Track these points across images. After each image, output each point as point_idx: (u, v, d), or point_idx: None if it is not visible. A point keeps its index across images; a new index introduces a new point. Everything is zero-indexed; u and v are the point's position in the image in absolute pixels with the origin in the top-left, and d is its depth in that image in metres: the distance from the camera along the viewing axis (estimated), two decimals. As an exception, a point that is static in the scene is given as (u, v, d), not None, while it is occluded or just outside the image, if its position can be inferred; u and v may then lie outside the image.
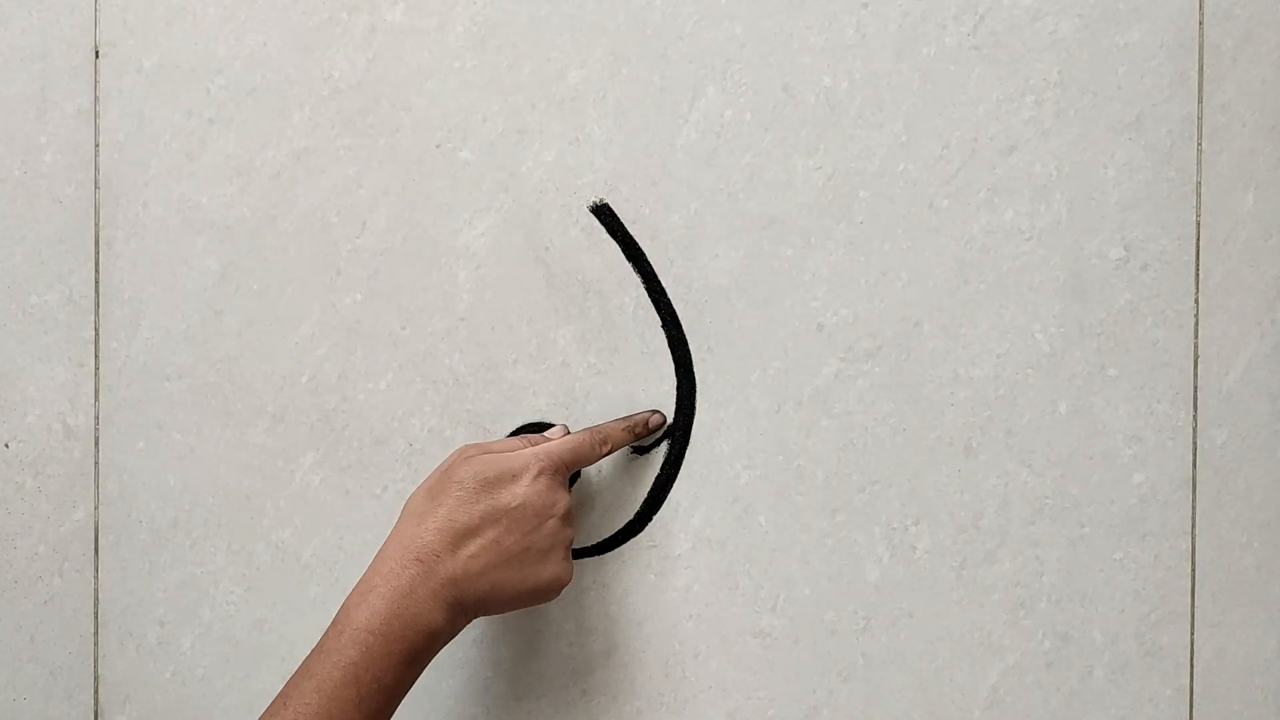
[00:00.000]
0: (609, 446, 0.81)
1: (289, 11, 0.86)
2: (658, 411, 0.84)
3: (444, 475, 0.76)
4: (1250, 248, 0.83)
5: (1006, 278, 0.83)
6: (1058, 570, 0.83)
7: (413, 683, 0.73)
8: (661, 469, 0.85)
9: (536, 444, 0.79)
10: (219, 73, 0.86)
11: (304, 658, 0.72)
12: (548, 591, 0.77)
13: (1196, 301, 0.83)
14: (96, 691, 0.88)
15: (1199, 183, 0.83)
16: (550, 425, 0.84)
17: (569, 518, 0.78)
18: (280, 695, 0.71)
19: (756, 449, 0.84)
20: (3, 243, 0.87)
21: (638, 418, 0.83)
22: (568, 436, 0.80)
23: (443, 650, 0.82)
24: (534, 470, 0.76)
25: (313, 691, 0.70)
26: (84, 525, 0.87)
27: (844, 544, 0.84)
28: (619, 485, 0.85)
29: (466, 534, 0.74)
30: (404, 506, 0.76)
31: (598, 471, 0.85)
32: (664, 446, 0.85)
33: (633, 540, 0.85)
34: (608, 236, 0.85)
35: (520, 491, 0.75)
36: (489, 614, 0.76)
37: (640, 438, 0.83)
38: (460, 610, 0.74)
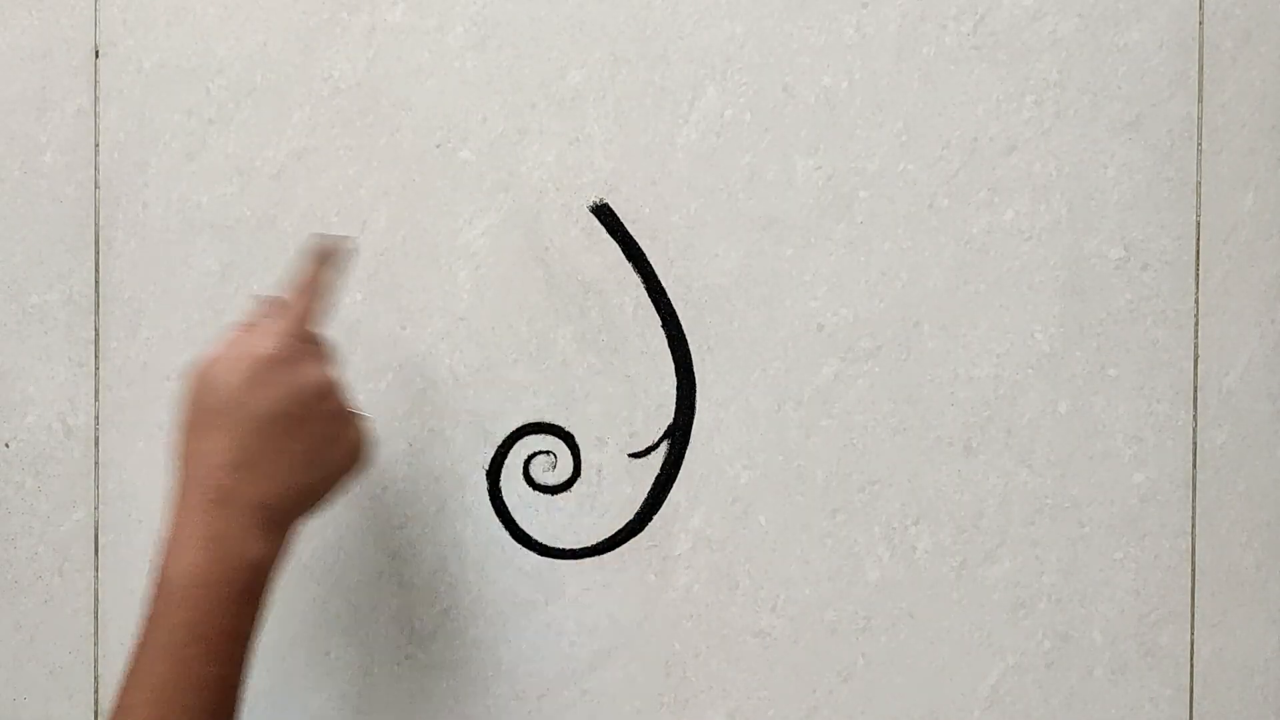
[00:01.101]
0: (317, 288, 0.75)
1: (289, 11, 0.86)
2: (330, 236, 0.78)
3: (193, 406, 0.71)
4: (1250, 248, 0.83)
5: (1006, 278, 0.83)
6: (1058, 570, 0.83)
7: (259, 615, 0.70)
8: (661, 469, 0.85)
9: (259, 323, 0.73)
10: (219, 73, 0.86)
11: (137, 635, 0.70)
12: (350, 465, 0.74)
13: (1196, 301, 0.83)
14: (96, 691, 0.87)
15: (1199, 183, 0.83)
16: (546, 423, 0.83)
17: (330, 386, 0.73)
18: (128, 672, 0.68)
19: (756, 449, 0.84)
20: (3, 243, 0.87)
21: (311, 247, 0.77)
22: (280, 312, 0.74)
23: (443, 650, 0.82)
24: (267, 364, 0.71)
25: (159, 659, 0.67)
26: (84, 525, 0.87)
27: (844, 544, 0.84)
28: (619, 485, 0.85)
29: (248, 460, 0.70)
30: (174, 450, 0.72)
31: (598, 471, 0.85)
32: (664, 446, 0.85)
33: (633, 540, 0.85)
34: (608, 236, 0.85)
35: (269, 394, 0.70)
36: (309, 513, 0.73)
37: (331, 260, 0.77)
38: (278, 528, 0.71)
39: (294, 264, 0.77)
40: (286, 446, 0.71)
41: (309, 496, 0.73)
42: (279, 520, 0.71)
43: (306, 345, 0.74)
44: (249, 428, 0.70)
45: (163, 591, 0.69)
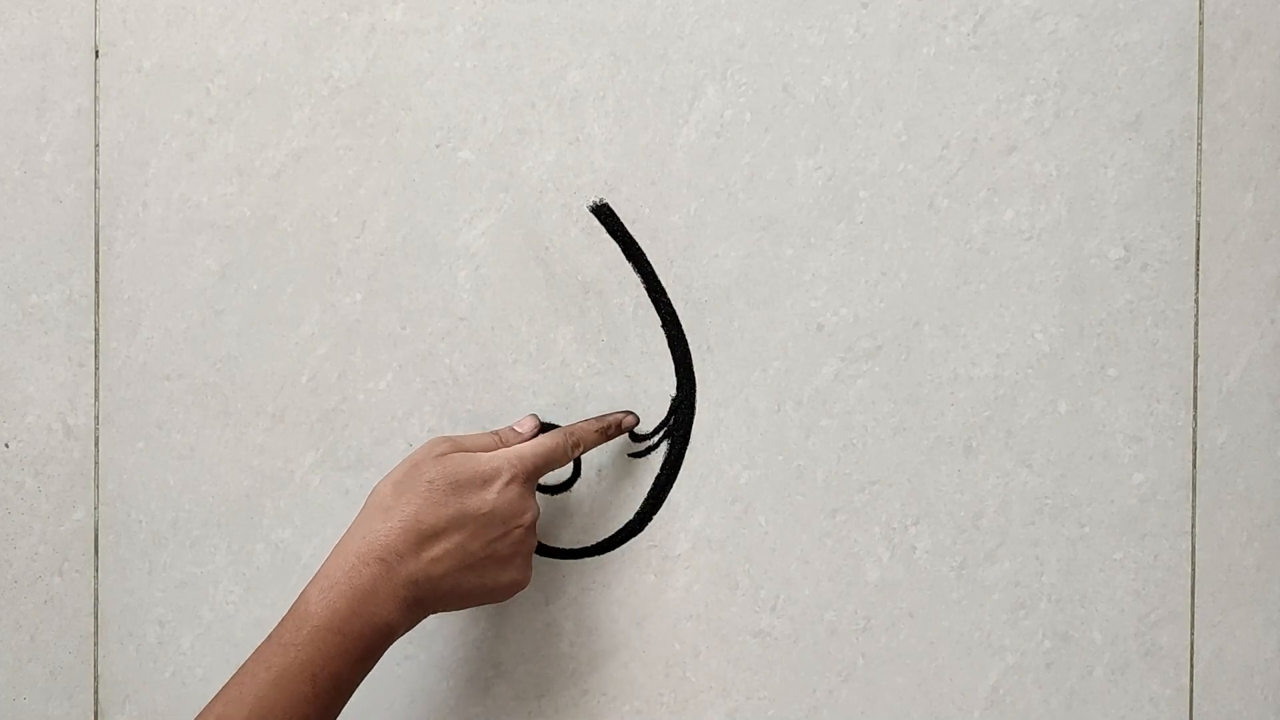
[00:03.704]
0: (581, 449, 0.81)
1: (289, 11, 0.86)
2: (630, 413, 0.83)
3: (414, 470, 0.75)
4: (1250, 248, 0.83)
5: (1006, 278, 0.83)
6: (1058, 570, 0.83)
7: (364, 675, 0.73)
8: (661, 469, 0.85)
9: (507, 440, 0.79)
10: (219, 73, 0.86)
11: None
12: (505, 593, 0.77)
13: (1196, 301, 0.83)
14: (96, 691, 0.88)
15: (1199, 183, 0.83)
16: (546, 423, 0.83)
17: (534, 526, 0.77)
18: (234, 683, 0.71)
19: (756, 449, 0.84)
20: (3, 243, 0.87)
21: (611, 418, 0.82)
22: (540, 439, 0.79)
23: (443, 650, 0.82)
24: (506, 476, 0.75)
25: (269, 685, 0.70)
26: (84, 525, 0.87)
27: (844, 544, 0.84)
28: (619, 485, 0.85)
29: (432, 536, 0.73)
30: (369, 496, 0.76)
31: (598, 471, 0.85)
32: (664, 446, 0.85)
33: (633, 540, 0.85)
34: (608, 236, 0.85)
35: (490, 498, 0.75)
36: (446, 610, 0.76)
37: (611, 438, 0.83)
38: (419, 607, 0.74)
39: (598, 417, 0.82)
40: (471, 545, 0.74)
41: (459, 597, 0.75)
42: (423, 601, 0.74)
43: (535, 482, 0.78)
44: (451, 513, 0.74)
45: (298, 622, 0.71)
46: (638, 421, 0.84)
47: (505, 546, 0.75)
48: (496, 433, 0.80)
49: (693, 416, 0.85)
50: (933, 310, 0.83)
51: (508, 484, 0.75)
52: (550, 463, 0.79)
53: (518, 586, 0.77)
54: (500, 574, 0.76)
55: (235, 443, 0.86)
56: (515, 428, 0.81)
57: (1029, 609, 0.84)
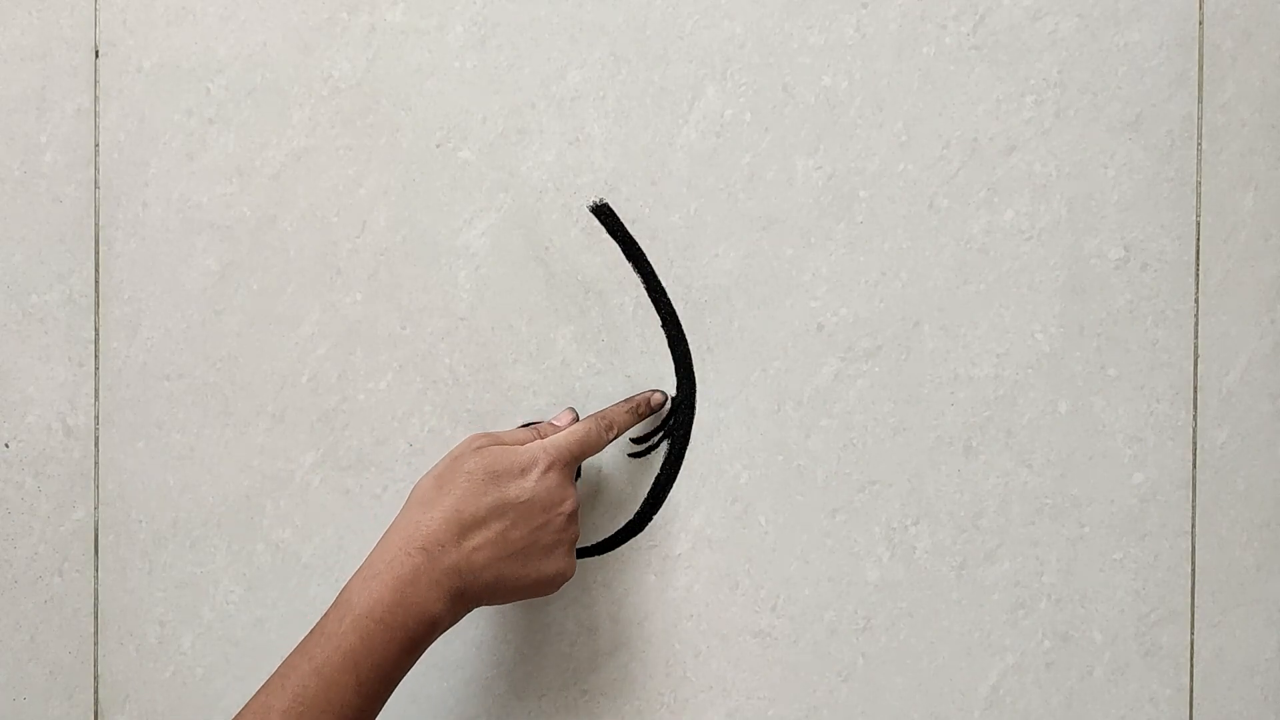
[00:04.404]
0: (615, 431, 0.81)
1: (289, 11, 0.86)
2: (659, 390, 0.84)
3: (453, 463, 0.76)
4: (1250, 248, 0.83)
5: (1006, 278, 0.83)
6: (1058, 570, 0.83)
7: (410, 667, 0.73)
8: (661, 469, 0.85)
9: (545, 434, 0.79)
10: (219, 73, 0.86)
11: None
12: (549, 585, 0.77)
13: (1196, 301, 0.83)
14: (96, 691, 0.88)
15: (1199, 183, 0.83)
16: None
17: (575, 514, 0.77)
18: (278, 674, 0.71)
19: (756, 449, 0.84)
20: (3, 243, 0.87)
21: (639, 397, 0.83)
22: (574, 427, 0.79)
23: (443, 650, 0.82)
24: (543, 465, 0.76)
25: (311, 674, 0.70)
26: (84, 525, 0.87)
27: (844, 544, 0.84)
28: (619, 485, 0.85)
29: (473, 525, 0.74)
30: (411, 492, 0.76)
31: (598, 471, 0.85)
32: (664, 446, 0.85)
33: (633, 540, 0.85)
34: (608, 236, 0.85)
35: (529, 486, 0.75)
36: (490, 604, 0.76)
37: (644, 417, 0.83)
38: (462, 600, 0.74)
39: (627, 400, 0.83)
40: (511, 535, 0.75)
41: (501, 587, 0.75)
42: (466, 593, 0.74)
43: (573, 470, 0.79)
44: (490, 502, 0.74)
45: (341, 612, 0.71)
46: (666, 399, 0.84)
47: (547, 535, 0.76)
48: (535, 426, 0.81)
49: (693, 416, 0.85)
50: (933, 310, 0.83)
51: (545, 472, 0.76)
52: (586, 448, 0.79)
53: (563, 577, 0.77)
54: (544, 564, 0.76)
55: (235, 443, 0.86)
56: (554, 421, 0.81)
57: (1029, 609, 0.84)
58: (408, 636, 0.71)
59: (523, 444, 0.77)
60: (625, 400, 0.82)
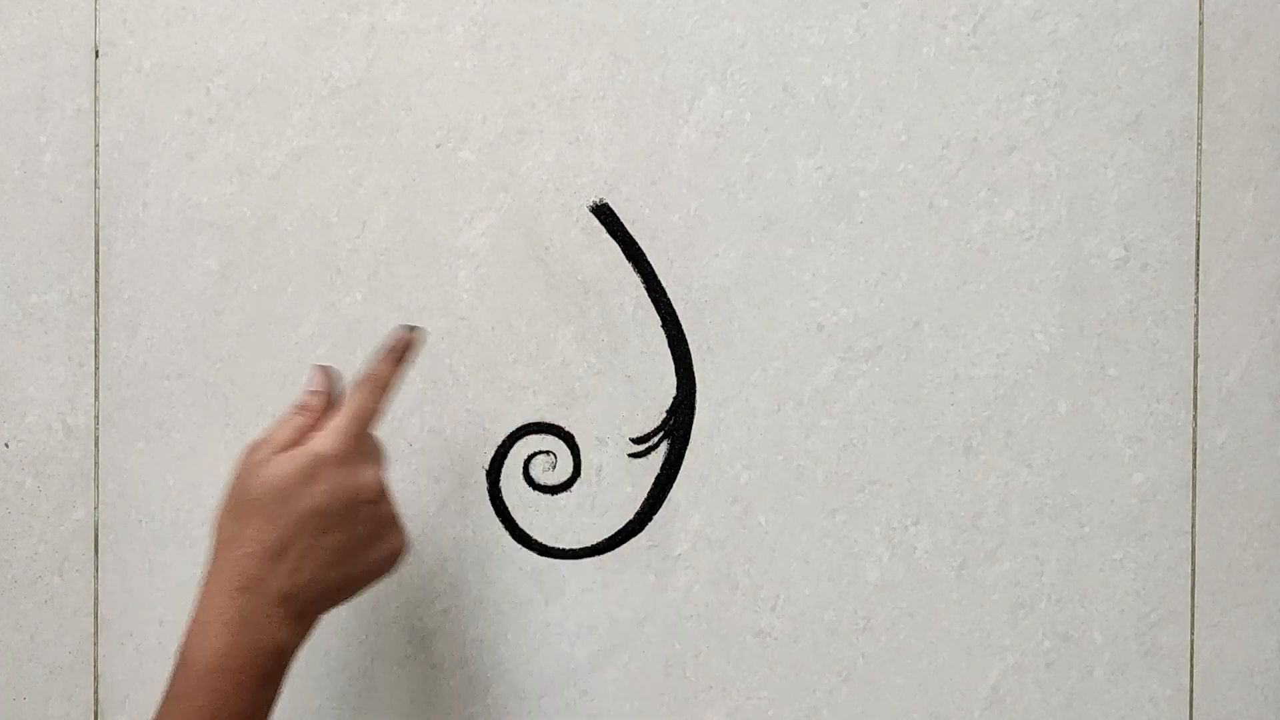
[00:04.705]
0: (386, 387, 0.76)
1: (289, 11, 0.86)
2: (410, 326, 0.78)
3: (239, 493, 0.72)
4: (1250, 248, 0.83)
5: (1006, 278, 0.83)
6: (1058, 570, 0.83)
7: (275, 697, 0.71)
8: (661, 469, 0.85)
9: (314, 410, 0.74)
10: (219, 73, 0.86)
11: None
12: (385, 568, 0.74)
13: (1196, 301, 0.83)
14: (96, 691, 0.87)
15: (1199, 183, 0.83)
16: (546, 423, 0.83)
17: (381, 491, 0.74)
18: None
19: (756, 449, 0.84)
20: (3, 243, 0.87)
21: (395, 344, 0.77)
22: (345, 406, 0.74)
23: (443, 650, 0.82)
24: (328, 462, 0.72)
25: None
26: (84, 525, 0.87)
27: (844, 544, 0.84)
28: (619, 485, 0.85)
29: (282, 550, 0.71)
30: (213, 532, 0.73)
31: (597, 471, 0.85)
32: (664, 446, 0.85)
33: (633, 540, 0.85)
34: (608, 236, 0.85)
35: (323, 490, 0.71)
36: (336, 606, 0.74)
37: (407, 359, 0.78)
38: (302, 619, 0.72)
39: (370, 357, 0.77)
40: (324, 543, 0.71)
41: (337, 592, 0.73)
42: (304, 611, 0.72)
43: (363, 445, 0.74)
44: (289, 520, 0.71)
45: (184, 672, 0.70)
46: (414, 331, 0.78)
47: (361, 528, 0.73)
48: (303, 407, 0.75)
49: (692, 416, 0.85)
50: (933, 310, 0.83)
51: (333, 468, 0.72)
52: (364, 419, 0.74)
53: (396, 554, 0.74)
54: (370, 553, 0.73)
55: (235, 443, 0.86)
56: (313, 389, 0.76)
57: (1029, 609, 0.84)
58: (257, 673, 0.70)
59: (299, 442, 0.73)
60: (382, 351, 0.77)
